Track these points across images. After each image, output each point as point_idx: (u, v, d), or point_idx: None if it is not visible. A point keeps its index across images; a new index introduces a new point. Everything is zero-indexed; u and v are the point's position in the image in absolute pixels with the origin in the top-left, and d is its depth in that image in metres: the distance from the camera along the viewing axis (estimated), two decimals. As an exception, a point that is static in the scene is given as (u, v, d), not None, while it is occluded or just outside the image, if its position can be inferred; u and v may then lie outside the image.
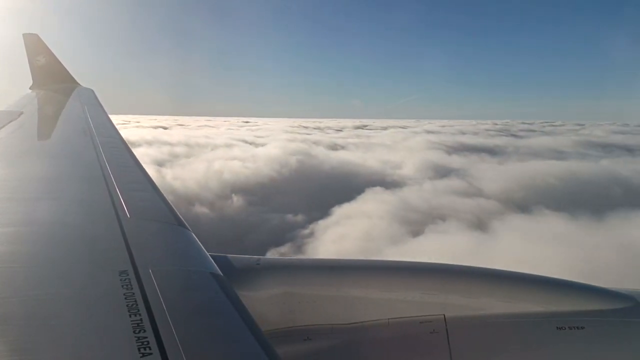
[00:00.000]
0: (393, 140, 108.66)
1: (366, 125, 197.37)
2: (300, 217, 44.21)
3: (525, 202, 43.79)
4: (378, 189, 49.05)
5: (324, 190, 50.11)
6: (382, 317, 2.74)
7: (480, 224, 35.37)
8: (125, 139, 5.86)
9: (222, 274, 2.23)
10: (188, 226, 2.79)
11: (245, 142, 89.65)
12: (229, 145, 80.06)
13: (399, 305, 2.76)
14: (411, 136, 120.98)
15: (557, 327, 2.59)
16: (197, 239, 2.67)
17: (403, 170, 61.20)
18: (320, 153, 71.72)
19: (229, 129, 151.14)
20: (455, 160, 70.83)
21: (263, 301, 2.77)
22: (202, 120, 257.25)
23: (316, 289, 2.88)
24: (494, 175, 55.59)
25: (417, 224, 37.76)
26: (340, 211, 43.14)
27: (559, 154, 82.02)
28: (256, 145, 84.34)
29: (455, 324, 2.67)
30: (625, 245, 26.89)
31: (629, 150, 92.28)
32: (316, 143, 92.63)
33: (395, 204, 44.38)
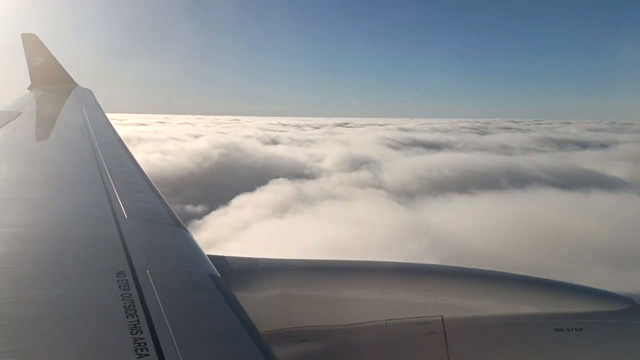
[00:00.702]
0: (355, 136, 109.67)
1: (347, 123, 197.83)
2: (199, 208, 45.03)
3: (404, 191, 44.87)
4: (281, 180, 49.93)
5: (234, 182, 50.93)
6: (380, 319, 2.73)
7: (335, 211, 36.52)
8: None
9: (219, 275, 2.23)
10: (186, 227, 2.79)
11: (199, 137, 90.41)
12: (165, 140, 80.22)
13: (396, 306, 2.76)
14: (376, 133, 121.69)
15: (555, 329, 2.60)
16: (195, 240, 2.67)
17: (322, 164, 62.06)
18: (250, 147, 72.40)
19: (205, 126, 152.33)
20: (387, 154, 71.71)
21: (261, 302, 2.76)
22: (192, 118, 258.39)
23: (314, 290, 2.87)
24: (405, 168, 56.45)
25: (289, 212, 38.77)
26: (236, 202, 44.15)
27: (501, 149, 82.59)
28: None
29: (453, 325, 2.67)
30: (426, 226, 27.96)
31: (583, 146, 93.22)
32: (274, 139, 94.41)
33: (287, 194, 45.29)
